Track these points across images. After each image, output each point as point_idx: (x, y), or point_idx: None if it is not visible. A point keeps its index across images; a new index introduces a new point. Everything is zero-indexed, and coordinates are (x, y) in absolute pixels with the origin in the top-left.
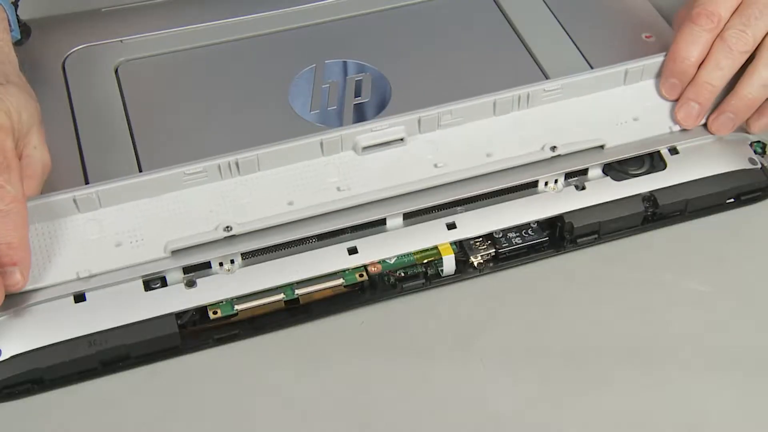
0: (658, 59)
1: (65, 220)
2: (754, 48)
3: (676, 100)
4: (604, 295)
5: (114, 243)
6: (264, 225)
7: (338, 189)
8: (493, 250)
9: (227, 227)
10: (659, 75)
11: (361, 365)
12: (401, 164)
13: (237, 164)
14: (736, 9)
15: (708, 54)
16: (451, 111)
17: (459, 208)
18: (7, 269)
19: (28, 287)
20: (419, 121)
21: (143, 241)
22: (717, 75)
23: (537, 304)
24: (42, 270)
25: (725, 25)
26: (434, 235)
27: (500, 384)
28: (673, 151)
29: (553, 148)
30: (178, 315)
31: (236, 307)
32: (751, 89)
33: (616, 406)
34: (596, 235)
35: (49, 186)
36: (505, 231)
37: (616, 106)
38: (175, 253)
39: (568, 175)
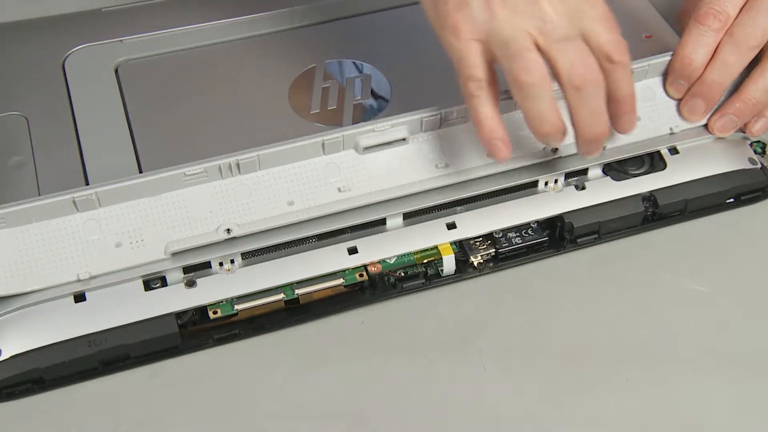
0: (664, 59)
1: (65, 219)
2: (764, 44)
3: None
4: (604, 295)
5: (114, 243)
6: (264, 227)
7: (339, 190)
8: (493, 250)
9: (228, 230)
10: (664, 74)
11: (361, 365)
12: (403, 164)
13: (238, 165)
14: (744, 4)
15: (716, 50)
16: (455, 111)
17: (459, 208)
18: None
19: (28, 288)
20: (422, 122)
21: (143, 242)
22: (724, 72)
23: (537, 304)
24: (42, 271)
25: (734, 21)
26: (434, 235)
27: (500, 384)
28: (673, 151)
29: (554, 150)
30: (178, 315)
31: (236, 307)
32: (755, 93)
33: (616, 406)
34: (596, 235)
35: (49, 186)
36: (505, 231)
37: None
38: (176, 254)
39: (568, 175)
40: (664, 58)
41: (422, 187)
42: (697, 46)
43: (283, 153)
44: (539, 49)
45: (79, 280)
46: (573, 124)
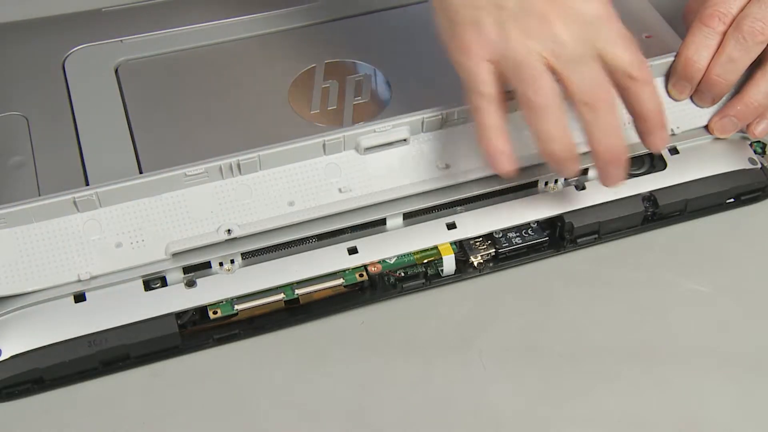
0: (667, 60)
1: (65, 219)
2: None
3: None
4: (604, 295)
5: (114, 243)
6: (265, 227)
7: (340, 190)
8: (493, 250)
9: (228, 230)
10: (666, 75)
11: (361, 365)
12: (403, 165)
13: (239, 165)
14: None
15: (720, 45)
16: (456, 112)
17: (459, 208)
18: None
19: (28, 288)
20: (423, 122)
21: (144, 242)
22: (730, 68)
23: (537, 304)
24: (42, 271)
25: (741, 13)
26: (434, 235)
27: (500, 384)
28: (673, 151)
29: None
30: (178, 315)
31: (236, 307)
32: (758, 96)
33: (616, 405)
34: (596, 235)
35: (49, 186)
36: (505, 231)
37: (621, 106)
38: (176, 254)
39: None
40: (667, 59)
41: (423, 188)
42: (701, 48)
43: (283, 153)
44: (552, 70)
45: (79, 281)
46: (589, 146)
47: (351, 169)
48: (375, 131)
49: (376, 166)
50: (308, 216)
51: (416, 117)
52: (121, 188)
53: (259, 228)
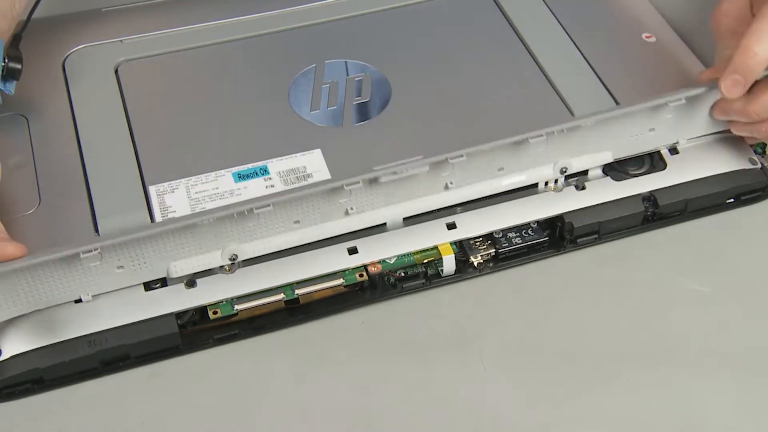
0: (696, 92)
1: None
2: None
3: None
4: (604, 295)
5: (115, 266)
6: (269, 250)
7: (347, 213)
8: (493, 250)
9: (232, 256)
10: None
11: (361, 365)
12: (413, 185)
13: (252, 209)
14: None
15: None
16: (478, 150)
17: (459, 208)
18: None
19: (29, 310)
20: (447, 160)
21: (145, 265)
22: None
23: (537, 304)
24: (44, 293)
25: None
26: (434, 235)
27: (500, 384)
28: (673, 151)
29: (563, 170)
30: (178, 315)
31: (236, 307)
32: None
33: (616, 406)
34: (596, 235)
35: (49, 186)
36: (505, 231)
37: (635, 122)
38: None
39: (568, 175)
40: (697, 91)
41: (432, 207)
42: (763, 39)
43: (297, 198)
44: None
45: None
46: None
47: (360, 192)
48: (394, 173)
49: (386, 188)
50: (313, 238)
51: (439, 158)
52: (129, 240)
53: (263, 250)
